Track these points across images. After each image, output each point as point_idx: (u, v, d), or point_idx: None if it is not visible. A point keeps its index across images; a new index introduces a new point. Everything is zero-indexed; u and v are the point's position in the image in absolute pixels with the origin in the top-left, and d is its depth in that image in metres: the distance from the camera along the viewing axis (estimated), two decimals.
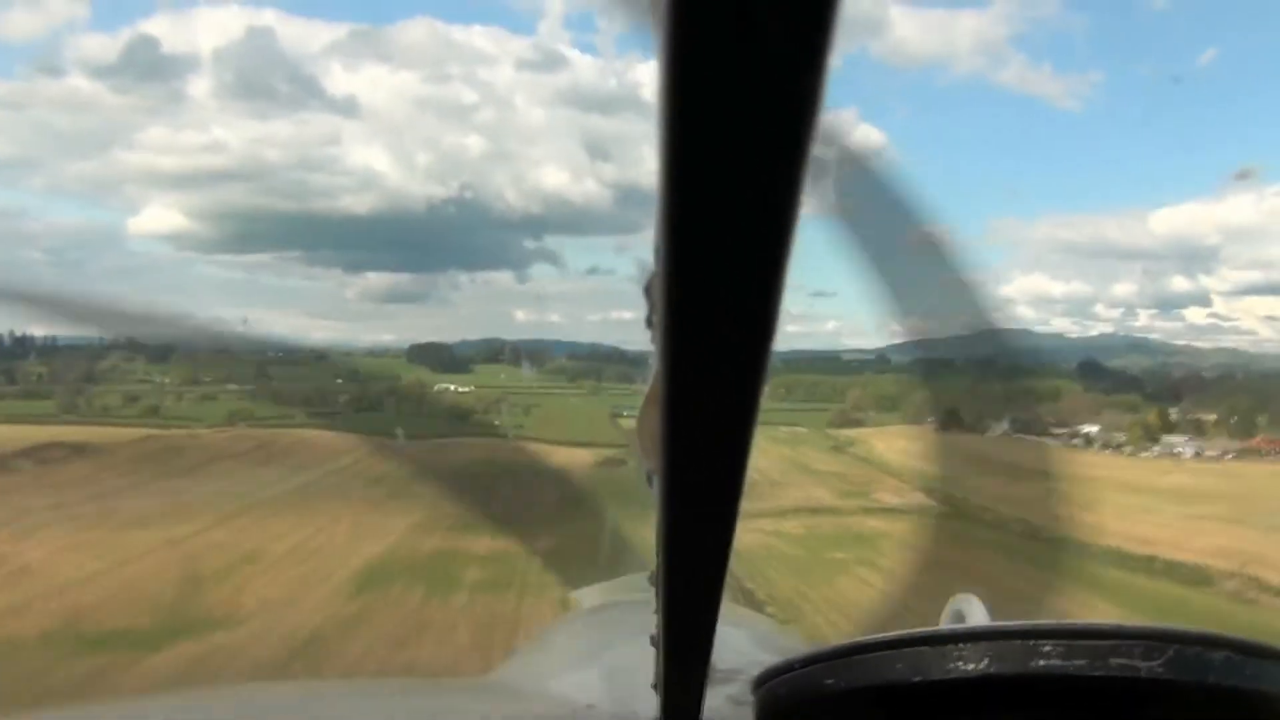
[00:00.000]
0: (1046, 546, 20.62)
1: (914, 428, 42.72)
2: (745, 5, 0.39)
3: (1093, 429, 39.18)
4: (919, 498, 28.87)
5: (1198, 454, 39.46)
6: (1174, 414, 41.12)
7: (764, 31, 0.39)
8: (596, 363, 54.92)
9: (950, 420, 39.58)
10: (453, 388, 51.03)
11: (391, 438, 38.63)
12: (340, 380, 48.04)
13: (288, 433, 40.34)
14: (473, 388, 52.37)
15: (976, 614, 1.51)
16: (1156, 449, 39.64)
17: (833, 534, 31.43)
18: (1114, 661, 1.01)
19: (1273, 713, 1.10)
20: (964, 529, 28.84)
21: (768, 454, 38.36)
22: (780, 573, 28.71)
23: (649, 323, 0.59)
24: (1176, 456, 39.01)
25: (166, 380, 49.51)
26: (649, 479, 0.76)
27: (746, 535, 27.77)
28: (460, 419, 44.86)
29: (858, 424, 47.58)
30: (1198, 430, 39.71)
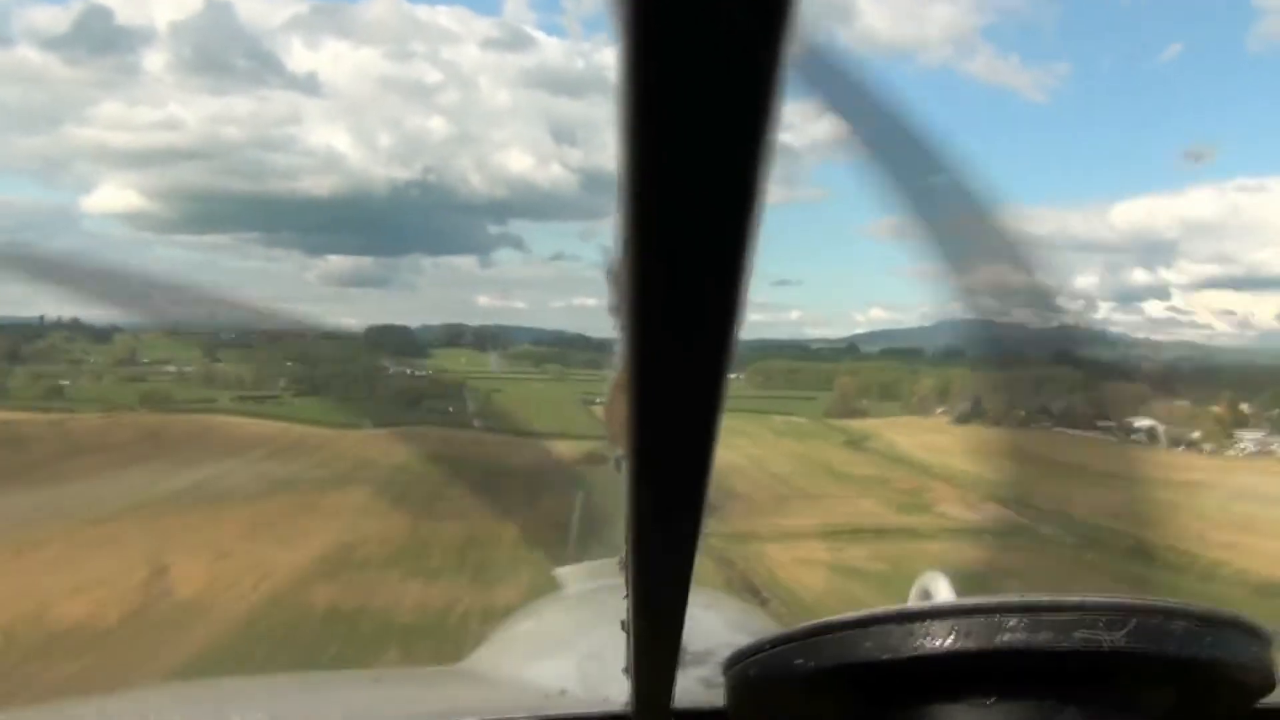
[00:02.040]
0: (1171, 573, 17.48)
1: (926, 419, 37.41)
2: None
3: (1148, 423, 33.54)
4: (997, 510, 23.09)
5: None
6: (1245, 408, 35.58)
7: (725, 12, 0.38)
8: (561, 348, 51.97)
9: (972, 411, 34.04)
10: (409, 371, 46.42)
11: (329, 425, 32.58)
12: (290, 363, 43.01)
13: (199, 419, 33.96)
14: (427, 372, 47.93)
15: (942, 591, 1.50)
16: (1244, 445, 33.94)
17: (924, 565, 24.35)
18: (1078, 634, 1.02)
19: (1232, 680, 1.11)
20: (1070, 553, 23.17)
21: (776, 449, 32.50)
22: None
23: (613, 309, 0.57)
24: (1273, 454, 33.41)
25: (94, 360, 45.80)
26: (617, 464, 0.77)
27: (799, 569, 22.51)
28: (413, 404, 39.07)
29: (860, 414, 41.77)
30: (1275, 425, 34.22)
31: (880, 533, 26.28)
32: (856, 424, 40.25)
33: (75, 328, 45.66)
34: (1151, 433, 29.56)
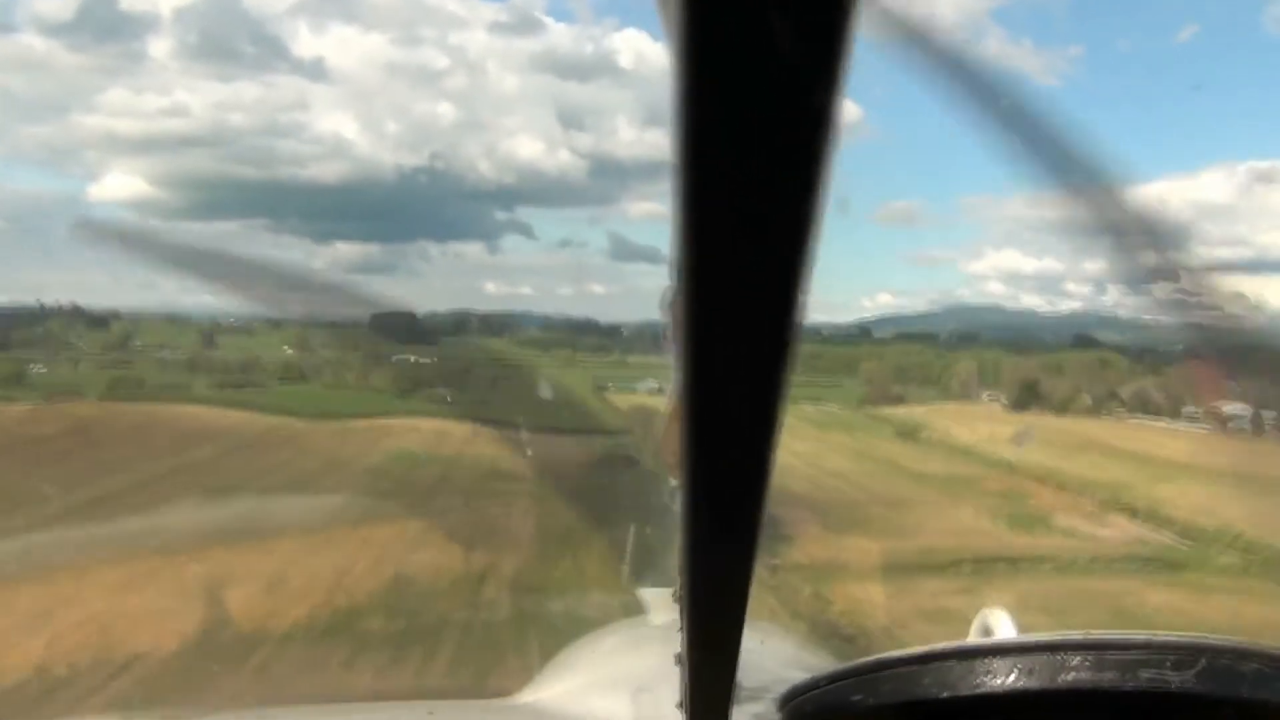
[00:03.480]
0: None
1: (974, 405, 33.39)
2: (758, 19, 0.38)
3: (1241, 408, 29.09)
4: (1134, 526, 18.48)
5: None
6: None
7: (780, 44, 0.38)
8: (570, 334, 49.67)
9: (1027, 397, 30.00)
10: (413, 359, 42.96)
11: (310, 418, 28.64)
12: (289, 349, 41.43)
13: (151, 409, 29.78)
14: (430, 359, 45.11)
15: (1003, 627, 1.43)
16: None
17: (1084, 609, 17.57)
18: (1144, 674, 0.98)
19: None
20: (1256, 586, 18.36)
21: (824, 443, 28.25)
22: None
23: (668, 339, 0.59)
24: None
25: (81, 347, 42.78)
26: (672, 495, 0.80)
27: (919, 623, 16.81)
28: (410, 394, 35.24)
29: (898, 401, 37.69)
30: None
31: (1015, 561, 19.68)
32: (900, 412, 36.05)
33: (74, 314, 43.74)
34: (1256, 420, 25.54)
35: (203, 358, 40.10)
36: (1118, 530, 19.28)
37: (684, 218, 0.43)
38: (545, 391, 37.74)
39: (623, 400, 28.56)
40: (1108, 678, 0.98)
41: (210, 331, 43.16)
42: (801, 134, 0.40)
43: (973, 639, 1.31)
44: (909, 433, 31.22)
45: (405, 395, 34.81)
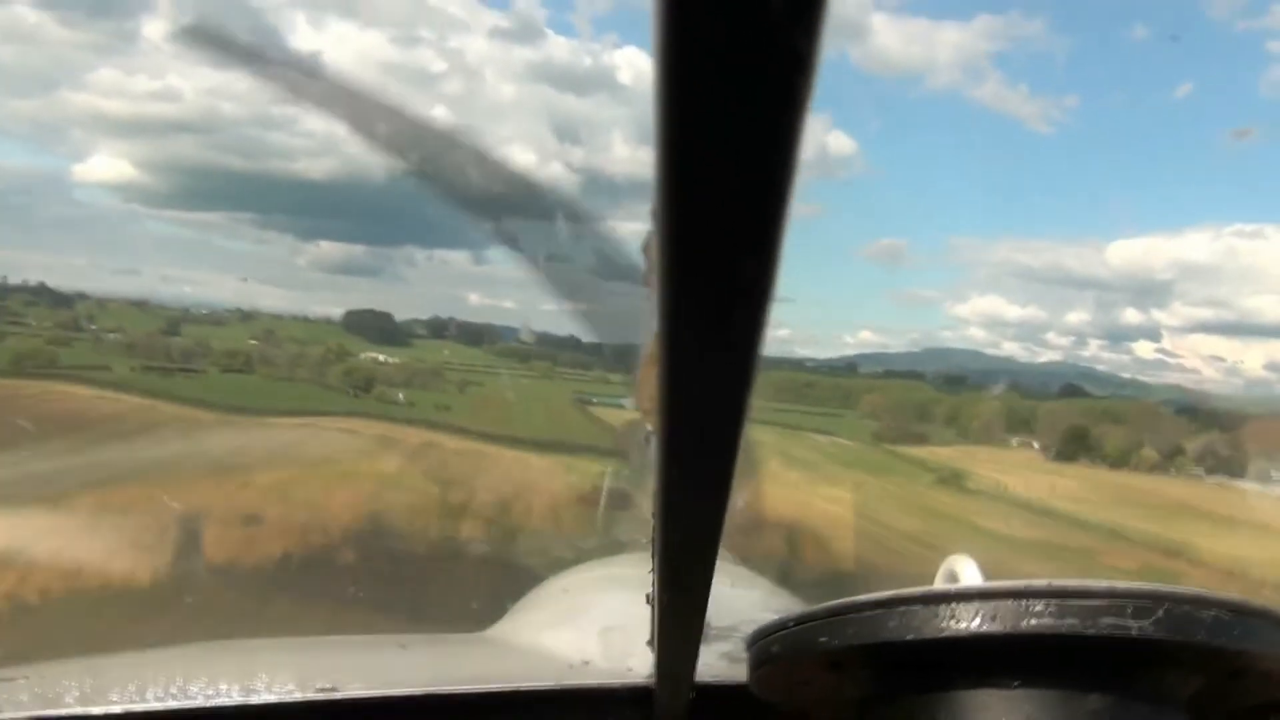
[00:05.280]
0: None
1: (1007, 452, 28.87)
2: None
3: None
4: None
5: None
6: None
7: (760, 12, 0.38)
8: (551, 348, 45.64)
9: (1074, 447, 25.41)
10: (381, 358, 40.11)
11: (226, 410, 23.83)
12: (254, 341, 39.22)
13: (52, 387, 25.06)
14: (399, 360, 40.65)
15: (969, 574, 1.38)
16: None
17: None
18: (1105, 621, 0.99)
19: (1261, 671, 1.09)
20: None
21: (862, 487, 23.04)
22: None
23: (646, 280, 0.58)
24: None
25: (30, 324, 38.90)
26: (646, 439, 0.75)
27: None
28: (360, 394, 30.65)
29: (919, 440, 33.06)
30: None
31: None
32: (924, 452, 31.34)
33: (40, 292, 41.19)
34: None
35: (153, 343, 36.67)
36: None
37: (663, 156, 0.43)
38: (516, 400, 33.72)
39: (606, 415, 23.99)
40: (1069, 623, 0.98)
41: (177, 319, 40.46)
42: (782, 78, 0.40)
43: (938, 584, 1.24)
44: (952, 480, 26.36)
45: (359, 394, 30.41)
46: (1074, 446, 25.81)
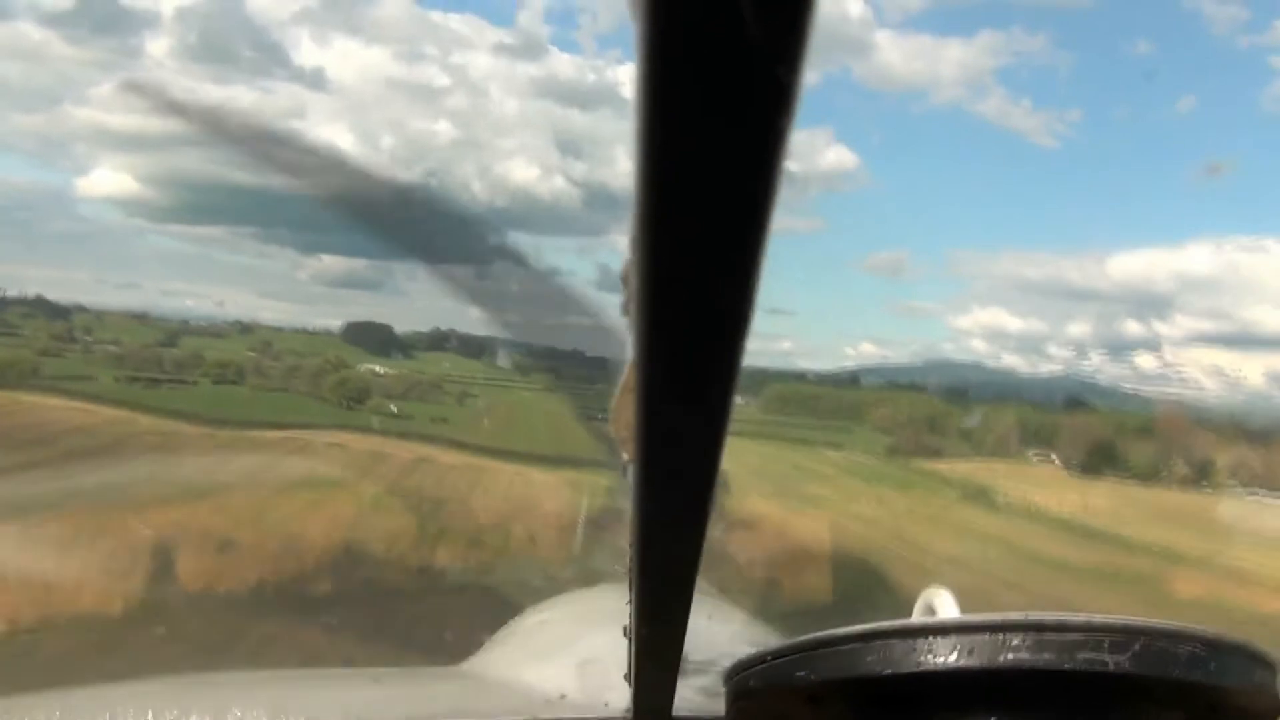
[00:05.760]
0: None
1: (1027, 467, 27.58)
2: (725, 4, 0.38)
3: None
4: None
5: None
6: None
7: (742, 14, 0.38)
8: (554, 362, 44.75)
9: (1097, 460, 24.13)
10: (380, 369, 38.75)
11: (208, 423, 22.57)
12: (251, 353, 38.26)
13: (26, 398, 23.76)
14: (396, 371, 39.24)
15: (946, 607, 1.41)
16: None
17: None
18: (1082, 655, 0.98)
19: (1237, 706, 1.07)
20: None
21: (886, 504, 21.40)
22: None
23: (625, 309, 0.57)
24: None
25: (25, 335, 37.77)
26: (624, 470, 0.74)
27: None
28: (353, 405, 29.49)
29: (934, 454, 31.60)
30: None
31: None
32: (941, 467, 29.82)
33: (37, 304, 40.07)
34: None
35: (145, 354, 35.78)
36: None
37: (642, 184, 0.43)
38: (517, 413, 32.65)
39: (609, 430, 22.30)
40: (1046, 658, 0.97)
41: (176, 332, 40.10)
42: (763, 107, 0.40)
43: (916, 618, 1.25)
44: (978, 496, 24.87)
45: (352, 406, 29.20)
46: (1099, 460, 24.47)
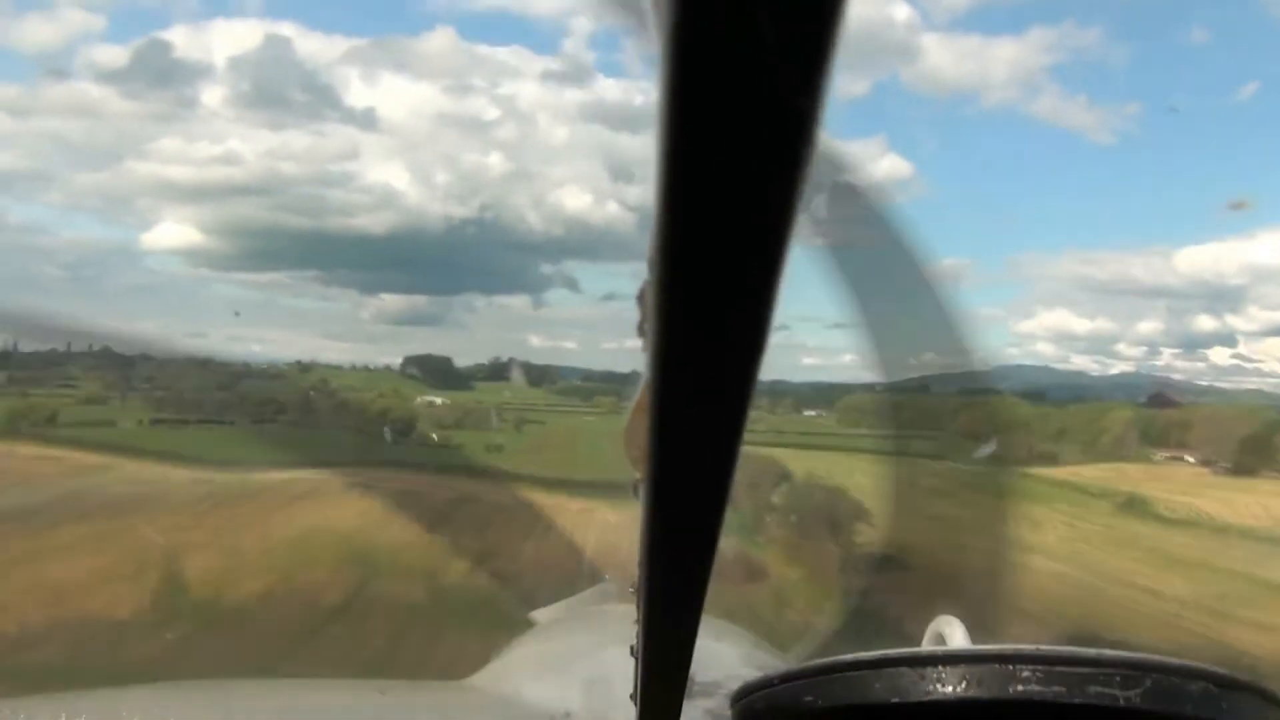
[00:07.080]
0: None
1: (1162, 468, 23.88)
2: (746, 19, 0.38)
3: None
4: None
5: None
6: None
7: (765, 45, 0.38)
8: (614, 384, 43.35)
9: (1254, 460, 20.49)
10: (439, 400, 38.54)
11: (213, 465, 20.12)
12: (312, 391, 37.80)
13: (23, 448, 21.67)
14: (451, 401, 38.19)
15: (957, 636, 1.40)
16: None
17: None
18: (1092, 689, 0.97)
19: None
20: None
21: (1054, 527, 18.42)
22: None
23: (640, 330, 0.57)
24: None
25: (80, 389, 37.85)
26: (634, 489, 0.74)
27: None
28: (399, 438, 26.97)
29: (1051, 460, 27.95)
30: None
31: None
32: (1066, 473, 26.30)
33: (103, 355, 39.30)
34: None
35: (187, 398, 34.88)
36: None
37: (662, 207, 0.43)
38: (578, 437, 29.85)
39: None
40: (1055, 691, 0.96)
41: (238, 374, 38.96)
42: (784, 136, 0.40)
43: (926, 647, 1.24)
44: (1136, 507, 21.25)
45: (397, 439, 26.65)
46: (1253, 459, 20.72)
